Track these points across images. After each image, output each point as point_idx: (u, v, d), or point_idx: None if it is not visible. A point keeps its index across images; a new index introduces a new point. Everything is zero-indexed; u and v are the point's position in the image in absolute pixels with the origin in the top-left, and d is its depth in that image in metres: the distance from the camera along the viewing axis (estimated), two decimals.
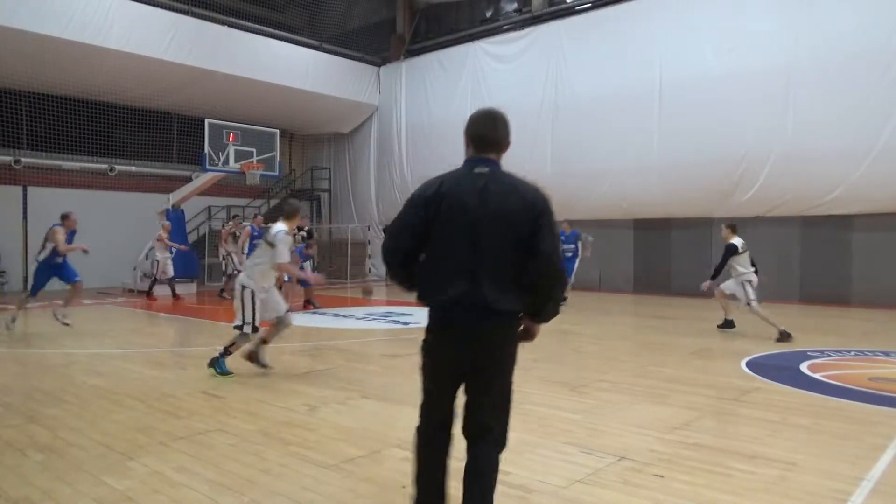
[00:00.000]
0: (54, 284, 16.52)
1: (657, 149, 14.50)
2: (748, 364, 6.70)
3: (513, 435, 4.41)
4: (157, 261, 14.19)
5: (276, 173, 17.04)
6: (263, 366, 6.28)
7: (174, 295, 14.43)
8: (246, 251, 12.56)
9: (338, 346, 8.15)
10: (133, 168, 17.59)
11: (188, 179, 16.76)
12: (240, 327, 6.04)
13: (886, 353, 7.33)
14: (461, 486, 2.56)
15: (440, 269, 2.49)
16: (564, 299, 8.88)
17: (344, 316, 11.15)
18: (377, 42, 21.12)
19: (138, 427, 4.45)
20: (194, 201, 17.43)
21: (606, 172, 14.81)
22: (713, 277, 8.77)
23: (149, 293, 14.31)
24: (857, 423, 4.58)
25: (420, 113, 19.55)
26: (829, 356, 7.19)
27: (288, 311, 6.35)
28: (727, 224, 9.01)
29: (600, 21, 15.72)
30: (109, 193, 17.26)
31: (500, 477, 3.47)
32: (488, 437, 2.56)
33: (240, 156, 15.63)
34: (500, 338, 2.50)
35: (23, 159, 15.66)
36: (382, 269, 21.29)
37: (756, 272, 8.64)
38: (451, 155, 21.95)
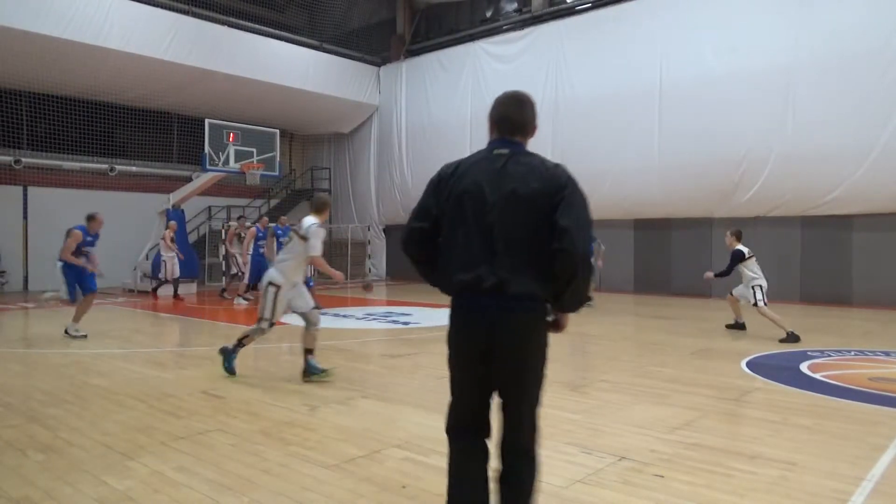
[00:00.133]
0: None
1: (657, 149, 14.50)
2: (748, 364, 6.70)
3: None
4: (165, 261, 14.22)
5: (277, 173, 17.04)
6: (323, 371, 5.98)
7: (175, 295, 14.44)
8: (250, 252, 12.57)
9: (338, 346, 8.14)
10: (133, 168, 17.60)
11: (188, 179, 16.76)
12: (259, 323, 5.94)
13: (887, 353, 7.33)
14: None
15: (455, 252, 2.34)
16: (590, 299, 8.58)
17: (344, 316, 11.15)
18: (377, 42, 21.13)
19: (139, 427, 4.45)
20: (194, 201, 17.44)
21: (606, 172, 14.81)
22: (717, 275, 8.84)
23: (154, 292, 14.36)
24: (857, 423, 4.58)
25: (420, 113, 19.56)
26: (830, 356, 7.19)
27: (314, 308, 6.20)
28: (732, 231, 8.90)
29: (600, 21, 15.73)
30: (109, 193, 17.26)
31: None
32: (520, 451, 2.36)
33: (240, 156, 15.64)
34: (522, 325, 2.26)
35: (23, 159, 15.67)
36: (382, 269, 21.38)
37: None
38: (452, 155, 21.93)
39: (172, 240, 14.30)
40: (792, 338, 8.11)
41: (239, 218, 16.43)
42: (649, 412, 4.87)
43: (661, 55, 14.47)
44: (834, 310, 11.91)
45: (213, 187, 17.15)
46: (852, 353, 7.41)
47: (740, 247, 8.67)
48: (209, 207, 19.42)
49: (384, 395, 5.43)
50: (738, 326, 9.13)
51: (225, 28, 16.93)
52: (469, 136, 18.17)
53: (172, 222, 14.96)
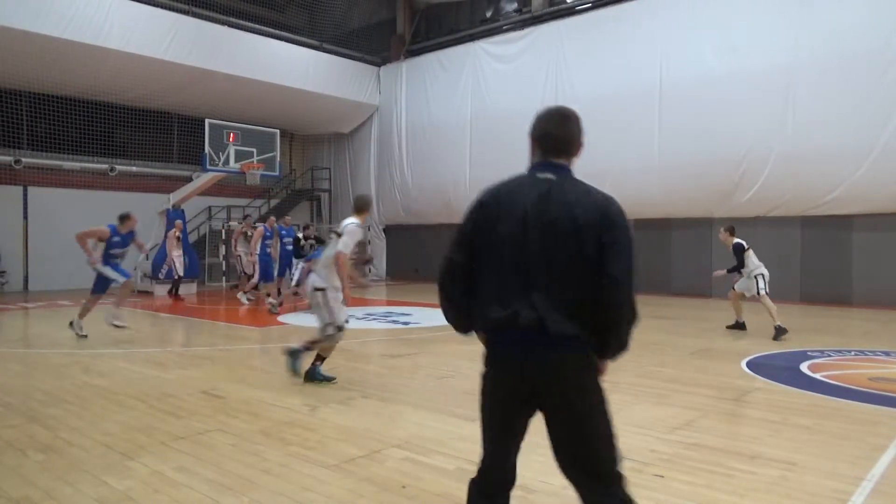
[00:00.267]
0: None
1: (657, 149, 14.51)
2: (748, 364, 6.70)
3: None
4: (173, 259, 14.24)
5: (277, 173, 17.05)
6: (324, 379, 5.85)
7: (176, 294, 14.44)
8: (258, 251, 12.58)
9: (338, 346, 8.13)
10: (133, 168, 17.62)
11: (188, 179, 16.77)
12: (326, 331, 5.73)
13: (887, 353, 7.33)
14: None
15: (490, 286, 2.11)
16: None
17: None
18: (377, 42, 21.14)
19: (139, 427, 4.45)
20: (195, 201, 17.44)
21: (606, 172, 14.78)
22: (730, 270, 8.99)
23: (174, 293, 14.35)
24: (857, 423, 4.58)
25: (420, 113, 19.56)
26: (830, 356, 7.19)
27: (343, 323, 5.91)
28: (725, 228, 9.14)
29: (600, 21, 15.73)
30: (110, 193, 17.25)
31: None
32: (607, 481, 2.11)
33: (240, 156, 15.65)
34: (568, 369, 2.03)
35: (23, 159, 15.68)
36: (382, 269, 21.39)
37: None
38: (451, 155, 22.07)
39: (178, 239, 14.32)
40: (779, 331, 8.32)
41: (245, 217, 16.45)
42: (649, 412, 4.87)
43: (661, 55, 14.48)
44: (834, 310, 11.91)
45: (214, 187, 17.16)
46: (852, 353, 7.41)
47: (738, 240, 8.90)
48: (209, 207, 19.42)
49: (384, 395, 5.43)
50: (739, 326, 9.15)
51: (225, 28, 16.94)
52: (469, 136, 18.18)
53: (178, 221, 15.02)
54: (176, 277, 14.76)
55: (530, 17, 17.71)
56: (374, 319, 10.77)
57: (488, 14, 19.19)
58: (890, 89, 11.76)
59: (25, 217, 16.33)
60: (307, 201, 22.51)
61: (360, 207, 5.91)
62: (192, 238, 18.36)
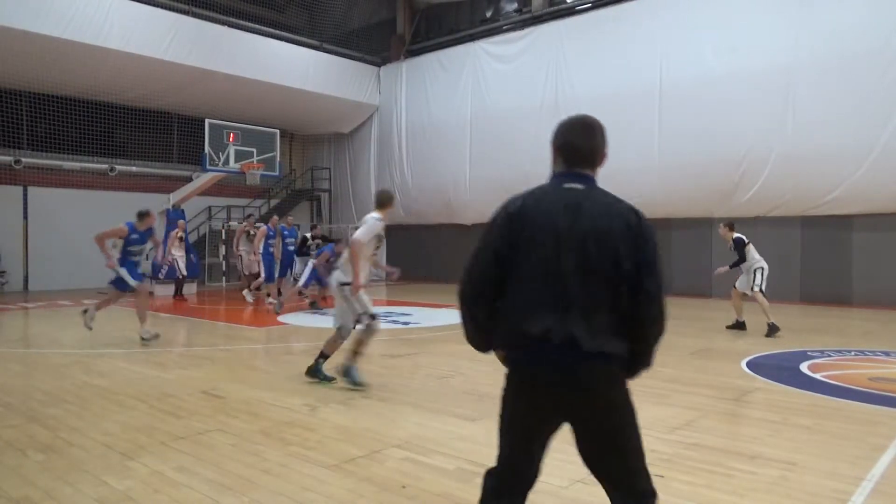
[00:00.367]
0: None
1: (657, 149, 14.51)
2: (748, 364, 6.70)
3: None
4: (176, 259, 14.24)
5: (277, 173, 17.06)
6: (326, 378, 5.79)
7: (180, 294, 14.42)
8: (261, 251, 12.60)
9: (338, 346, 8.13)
10: (133, 168, 17.63)
11: (188, 179, 16.78)
12: (361, 322, 5.62)
13: (887, 353, 7.33)
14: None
15: (519, 300, 2.03)
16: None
17: None
18: (377, 42, 21.14)
19: (139, 427, 4.45)
20: (195, 201, 17.45)
21: (606, 172, 14.67)
22: (732, 266, 9.09)
23: (178, 293, 14.33)
24: (857, 423, 4.58)
25: (420, 113, 19.56)
26: (830, 356, 7.19)
27: (357, 323, 5.76)
28: (725, 223, 9.24)
29: (600, 21, 15.73)
30: (110, 193, 17.27)
31: None
32: (642, 499, 2.07)
33: (240, 156, 15.66)
34: (602, 385, 1.98)
35: (23, 159, 15.68)
36: (382, 271, 21.33)
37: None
38: (451, 155, 22.03)
39: (181, 239, 14.33)
40: (772, 329, 8.49)
41: (248, 217, 16.46)
42: (649, 412, 4.86)
43: (661, 55, 14.48)
44: (834, 310, 11.91)
45: (213, 187, 17.17)
46: (852, 353, 7.41)
47: (738, 234, 9.02)
48: (209, 207, 19.42)
49: (384, 395, 5.43)
50: (739, 326, 9.16)
51: (225, 28, 16.94)
52: (469, 136, 18.18)
53: (182, 221, 15.04)
54: (179, 277, 14.74)
55: (530, 17, 17.71)
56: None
57: (488, 14, 19.19)
58: (890, 89, 11.76)
59: (25, 217, 16.33)
60: (307, 201, 22.51)
61: (383, 202, 5.76)
62: (192, 238, 18.36)
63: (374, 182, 21.12)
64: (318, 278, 11.70)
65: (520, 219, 2.05)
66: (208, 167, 15.26)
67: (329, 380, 5.77)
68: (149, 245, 16.91)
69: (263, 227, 12.87)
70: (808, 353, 7.27)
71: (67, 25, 13.74)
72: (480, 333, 2.16)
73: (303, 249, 12.95)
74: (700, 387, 5.70)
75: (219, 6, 17.46)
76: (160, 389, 5.59)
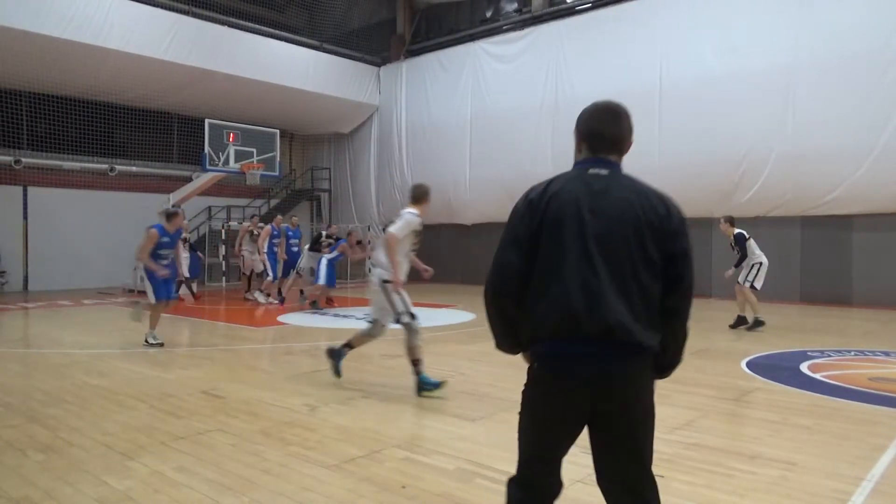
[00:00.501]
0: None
1: (657, 149, 14.50)
2: (748, 364, 6.69)
3: (514, 435, 4.42)
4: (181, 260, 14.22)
5: (276, 173, 17.05)
6: (338, 373, 5.74)
7: (192, 294, 14.33)
8: (265, 250, 12.61)
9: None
10: (133, 168, 17.63)
11: (188, 179, 16.78)
12: (401, 321, 5.44)
13: (887, 353, 7.33)
14: None
15: (547, 291, 1.90)
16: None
17: (344, 316, 11.15)
18: (377, 42, 21.14)
19: (139, 427, 4.45)
20: (194, 201, 17.45)
21: None
22: (737, 264, 9.22)
23: (191, 293, 14.31)
24: (857, 423, 4.58)
25: (420, 113, 19.56)
26: (830, 356, 7.19)
27: (395, 322, 5.61)
28: (725, 218, 9.36)
29: (600, 21, 15.73)
30: (110, 193, 17.29)
31: (501, 477, 3.48)
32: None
33: (240, 156, 15.65)
34: (637, 383, 1.91)
35: (23, 159, 15.68)
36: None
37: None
38: (451, 155, 21.98)
39: (185, 239, 14.31)
40: (757, 323, 8.84)
41: (252, 217, 16.46)
42: None
43: (661, 55, 14.48)
44: (834, 310, 11.91)
45: (213, 187, 17.17)
46: (852, 353, 7.41)
47: (738, 230, 9.18)
48: (209, 207, 19.42)
49: (384, 395, 5.43)
50: (741, 322, 9.24)
51: (225, 28, 16.94)
52: (469, 136, 18.18)
53: (186, 222, 15.01)
54: (182, 279, 14.59)
55: (530, 17, 17.71)
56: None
57: (488, 14, 19.19)
58: (890, 89, 11.76)
59: (25, 217, 16.33)
60: (307, 201, 22.52)
61: (418, 197, 5.60)
62: (192, 238, 18.37)
63: (374, 182, 21.13)
64: (331, 276, 11.86)
65: (543, 206, 1.95)
66: (208, 167, 15.26)
67: (438, 385, 5.41)
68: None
69: (267, 227, 12.89)
70: (808, 353, 7.27)
71: (67, 25, 13.74)
72: (510, 330, 2.04)
73: (315, 246, 12.99)
74: (700, 387, 5.70)
75: (219, 6, 17.46)
76: (160, 389, 5.59)
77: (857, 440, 4.16)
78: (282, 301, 12.92)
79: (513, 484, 2.05)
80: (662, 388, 6.11)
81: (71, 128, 16.05)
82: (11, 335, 9.37)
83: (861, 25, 12.04)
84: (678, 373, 1.93)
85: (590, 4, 16.47)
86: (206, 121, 15.30)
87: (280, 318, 10.80)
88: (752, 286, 9.00)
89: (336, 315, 11.26)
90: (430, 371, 5.53)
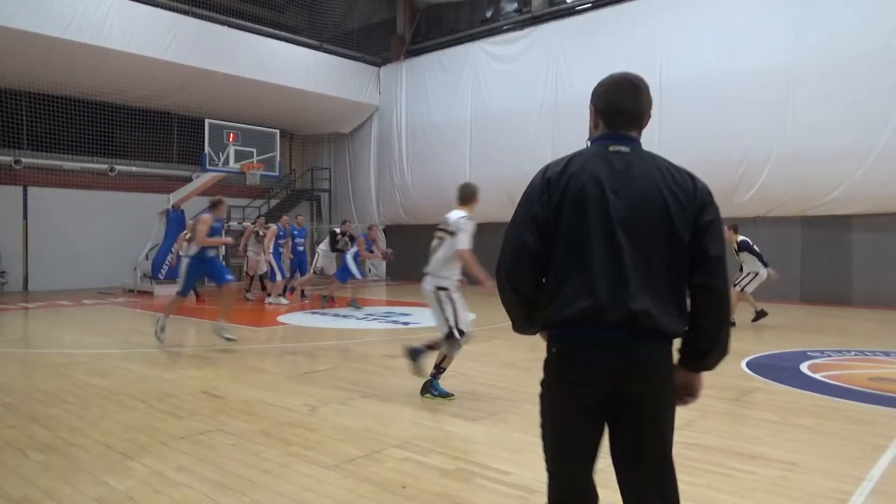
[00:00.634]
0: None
1: (657, 149, 14.05)
2: (748, 364, 6.70)
3: (514, 435, 4.43)
4: (183, 259, 14.20)
5: (277, 173, 17.05)
6: (446, 395, 5.36)
7: (196, 295, 14.24)
8: (271, 250, 12.62)
9: (338, 346, 8.15)
10: (133, 168, 17.63)
11: (188, 179, 16.77)
12: (448, 335, 5.23)
13: (887, 353, 7.33)
14: None
15: (568, 275, 1.81)
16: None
17: (344, 316, 11.15)
18: (377, 42, 21.14)
19: (139, 427, 4.45)
20: (194, 201, 17.42)
21: None
22: (765, 265, 9.41)
23: (195, 294, 14.24)
24: (857, 423, 4.58)
25: (420, 113, 19.56)
26: (830, 356, 7.19)
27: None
28: (729, 226, 9.33)
29: (600, 21, 15.73)
30: (110, 194, 17.29)
31: (501, 477, 3.49)
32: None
33: (240, 156, 15.64)
34: (660, 368, 1.81)
35: (23, 159, 15.68)
36: (382, 269, 21.37)
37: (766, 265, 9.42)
38: (451, 155, 21.94)
39: (189, 240, 14.30)
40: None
41: (257, 217, 16.47)
42: None
43: (661, 55, 14.47)
44: (834, 310, 11.91)
45: (214, 187, 17.14)
46: (852, 353, 7.41)
47: (742, 237, 9.38)
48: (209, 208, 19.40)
49: (384, 395, 5.43)
50: (761, 315, 9.42)
51: (225, 28, 16.94)
52: (469, 136, 18.17)
53: (190, 222, 15.02)
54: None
55: (530, 17, 17.71)
56: (374, 319, 10.77)
57: (488, 14, 19.19)
58: (890, 89, 11.75)
59: (25, 217, 16.33)
60: (307, 201, 22.51)
61: (467, 197, 5.42)
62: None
63: (374, 182, 21.12)
64: (345, 271, 11.97)
65: (562, 185, 1.85)
66: (208, 167, 15.26)
67: (447, 396, 5.29)
68: (149, 244, 16.85)
69: (274, 228, 12.91)
70: (808, 353, 7.28)
71: (67, 25, 13.74)
72: (525, 312, 1.94)
73: (335, 246, 13.04)
74: None
75: (219, 6, 17.45)
76: (160, 389, 5.59)
77: (857, 440, 4.16)
78: (302, 297, 13.10)
79: None
80: None
81: (71, 128, 16.05)
82: (11, 335, 9.37)
83: (861, 26, 12.04)
84: None
85: (590, 4, 16.47)
86: (206, 121, 15.30)
87: (280, 318, 10.81)
88: (742, 290, 9.23)
89: (336, 315, 11.26)
90: (430, 370, 5.51)
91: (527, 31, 17.30)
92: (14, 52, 13.57)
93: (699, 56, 13.91)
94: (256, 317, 11.28)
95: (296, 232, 13.16)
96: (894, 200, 11.91)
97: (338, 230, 13.20)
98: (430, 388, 5.34)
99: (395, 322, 10.40)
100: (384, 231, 20.94)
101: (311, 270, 13.23)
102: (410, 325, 9.99)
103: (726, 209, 13.56)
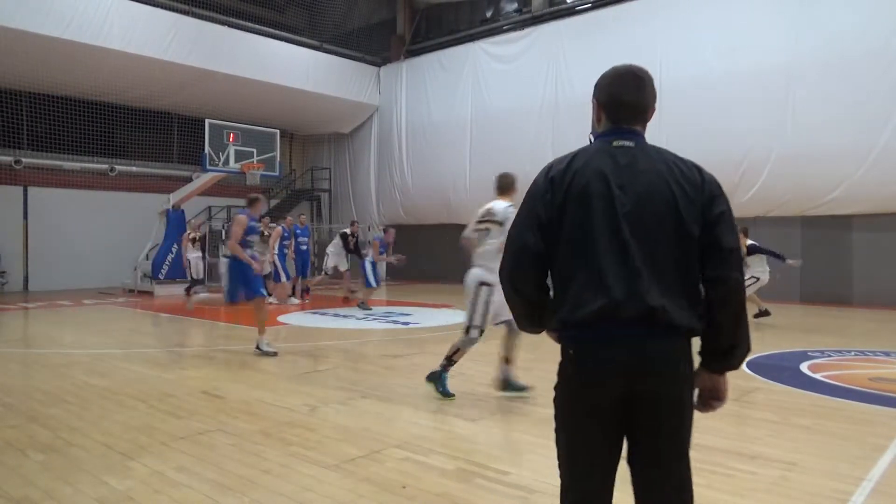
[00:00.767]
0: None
1: None
2: (748, 364, 6.69)
3: (514, 435, 4.43)
4: (189, 260, 14.20)
5: (277, 173, 17.05)
6: (522, 388, 5.28)
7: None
8: (276, 251, 12.64)
9: (338, 346, 8.15)
10: (133, 168, 17.63)
11: (188, 180, 16.78)
12: (467, 329, 5.14)
13: (887, 353, 7.33)
14: None
15: (578, 274, 1.77)
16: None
17: (344, 316, 11.15)
18: (377, 42, 21.14)
19: (139, 427, 4.45)
20: (195, 201, 17.45)
21: None
22: (783, 260, 9.73)
23: (188, 292, 14.23)
24: (857, 423, 4.58)
25: (420, 113, 19.56)
26: (830, 356, 7.19)
27: None
28: (739, 228, 9.44)
29: (600, 21, 15.73)
30: (110, 194, 17.30)
31: (501, 477, 3.49)
32: None
33: (240, 156, 15.65)
34: (676, 366, 1.75)
35: (23, 159, 15.69)
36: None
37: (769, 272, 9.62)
38: (451, 155, 21.94)
39: (193, 240, 14.29)
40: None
41: (262, 217, 16.47)
42: None
43: (661, 55, 14.47)
44: (834, 310, 11.91)
45: (214, 187, 17.17)
46: (852, 353, 7.41)
47: (751, 241, 9.58)
48: (209, 208, 19.42)
49: (384, 395, 5.43)
50: (763, 314, 9.50)
51: (225, 28, 16.94)
52: (469, 136, 18.18)
53: (193, 221, 15.05)
54: (195, 278, 14.47)
55: (530, 17, 17.71)
56: (374, 319, 10.77)
57: (488, 14, 19.19)
58: (890, 89, 11.76)
59: (25, 217, 16.34)
60: (307, 201, 22.52)
61: (507, 187, 5.35)
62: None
63: (374, 182, 21.12)
64: (375, 268, 12.06)
65: (566, 182, 1.82)
66: (208, 167, 15.26)
67: (522, 388, 5.28)
68: (150, 244, 16.80)
69: (278, 228, 12.92)
70: (808, 353, 7.27)
71: (67, 25, 13.74)
72: (530, 311, 1.91)
73: (349, 247, 13.09)
74: None
75: (219, 6, 17.46)
76: (160, 389, 5.59)
77: (857, 440, 4.16)
78: (306, 292, 13.25)
79: None
80: None
81: (71, 128, 16.05)
82: (11, 335, 9.37)
83: (861, 26, 12.04)
84: None
85: (590, 4, 16.47)
86: (207, 121, 15.30)
87: (280, 319, 10.80)
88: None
89: (336, 315, 11.26)
90: (430, 370, 5.51)
91: (527, 31, 17.30)
92: (14, 52, 13.57)
93: (699, 56, 13.91)
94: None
95: (298, 231, 13.18)
96: (894, 200, 11.91)
97: (347, 231, 13.33)
98: (437, 380, 5.30)
99: (395, 322, 10.40)
100: (384, 231, 20.94)
101: (323, 272, 13.31)
102: (410, 325, 9.99)
103: None
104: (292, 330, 9.76)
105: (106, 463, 3.73)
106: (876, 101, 11.85)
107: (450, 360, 5.30)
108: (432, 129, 19.13)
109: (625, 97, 1.92)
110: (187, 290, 13.72)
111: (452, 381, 5.74)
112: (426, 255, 19.22)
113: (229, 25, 17.20)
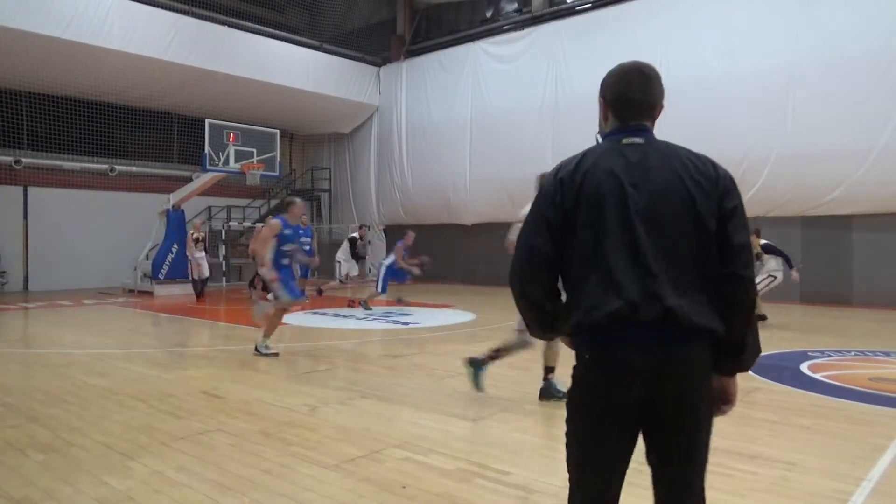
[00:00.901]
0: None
1: None
2: None
3: (514, 435, 4.43)
4: (191, 260, 14.19)
5: (277, 173, 17.05)
6: (562, 394, 5.06)
7: (200, 296, 14.16)
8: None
9: (338, 346, 8.15)
10: (133, 168, 17.63)
11: (188, 180, 16.78)
12: (519, 331, 5.03)
13: (887, 354, 7.33)
14: None
15: (592, 276, 1.73)
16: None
17: (344, 316, 11.15)
18: (377, 42, 21.14)
19: (139, 427, 4.45)
20: (195, 201, 17.45)
21: None
22: (791, 266, 9.77)
23: (199, 295, 14.19)
24: (857, 423, 4.58)
25: (420, 113, 19.56)
26: (830, 356, 7.19)
27: None
28: (752, 229, 9.62)
29: (600, 21, 15.73)
30: (110, 194, 17.30)
31: (501, 477, 3.49)
32: None
33: (240, 156, 15.65)
34: (696, 368, 1.71)
35: (23, 159, 15.69)
36: (382, 270, 21.32)
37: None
38: (451, 155, 21.95)
39: (197, 240, 14.28)
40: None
41: (266, 217, 16.47)
42: None
43: (661, 55, 14.45)
44: (834, 310, 11.90)
45: (214, 187, 17.17)
46: (852, 353, 7.41)
47: (764, 241, 9.65)
48: (209, 208, 19.43)
49: (384, 395, 5.43)
50: (760, 318, 9.48)
51: (225, 28, 16.94)
52: (469, 136, 18.18)
53: (196, 222, 15.04)
54: (201, 278, 14.43)
55: (530, 17, 17.71)
56: (374, 319, 10.77)
57: (488, 14, 19.19)
58: (890, 89, 11.76)
59: (25, 217, 16.34)
60: (307, 201, 22.51)
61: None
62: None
63: (374, 182, 21.12)
64: (395, 274, 11.99)
65: (576, 183, 1.78)
66: (208, 167, 15.26)
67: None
68: (150, 244, 16.78)
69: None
70: (808, 353, 7.27)
71: (67, 25, 13.74)
72: (541, 317, 1.86)
73: (355, 252, 13.11)
74: None
75: (219, 6, 17.45)
76: (160, 389, 5.59)
77: (857, 440, 4.16)
78: (319, 294, 13.31)
79: None
80: None
81: (71, 128, 16.05)
82: (11, 335, 9.37)
83: (861, 26, 12.04)
84: None
85: (590, 4, 16.47)
86: (206, 121, 15.31)
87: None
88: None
89: (336, 315, 11.26)
90: (430, 370, 5.52)
91: (527, 31, 17.30)
92: (14, 52, 13.57)
93: (699, 56, 13.91)
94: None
95: (301, 231, 13.12)
96: (894, 200, 11.91)
97: (356, 235, 13.36)
98: (477, 368, 5.23)
99: (395, 322, 10.40)
100: (384, 231, 20.96)
101: (338, 280, 13.38)
102: (410, 325, 9.99)
103: None
104: (292, 330, 9.76)
105: (106, 463, 3.73)
106: (876, 101, 11.86)
107: (496, 354, 5.20)
108: (432, 129, 19.13)
109: (631, 94, 1.88)
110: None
111: (453, 380, 5.75)
112: (426, 255, 19.20)
113: (229, 25, 17.19)
